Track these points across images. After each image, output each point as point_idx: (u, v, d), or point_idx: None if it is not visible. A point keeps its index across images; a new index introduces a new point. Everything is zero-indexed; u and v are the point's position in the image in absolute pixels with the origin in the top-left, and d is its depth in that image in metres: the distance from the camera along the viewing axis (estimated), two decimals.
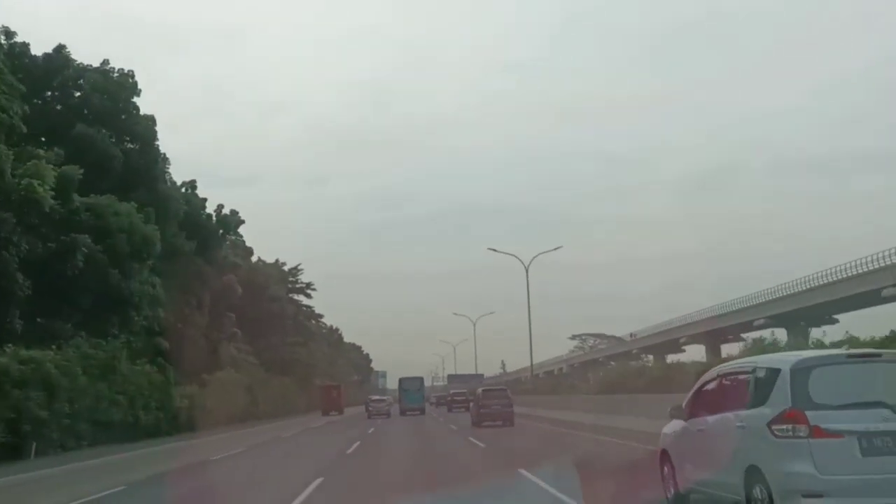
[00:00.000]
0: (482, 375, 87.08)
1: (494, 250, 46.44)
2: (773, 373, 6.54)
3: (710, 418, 7.48)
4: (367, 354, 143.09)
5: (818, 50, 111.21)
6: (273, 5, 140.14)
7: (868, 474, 6.65)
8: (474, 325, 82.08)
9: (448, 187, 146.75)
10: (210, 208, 46.73)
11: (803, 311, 59.68)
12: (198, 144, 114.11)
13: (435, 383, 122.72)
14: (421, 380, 63.17)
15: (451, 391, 63.86)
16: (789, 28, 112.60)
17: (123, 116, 34.05)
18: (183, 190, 40.87)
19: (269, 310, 62.52)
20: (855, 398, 6.82)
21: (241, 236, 58.22)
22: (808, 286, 62.39)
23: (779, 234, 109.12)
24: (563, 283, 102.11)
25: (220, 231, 47.88)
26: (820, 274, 61.14)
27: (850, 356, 6.89)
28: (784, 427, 6.90)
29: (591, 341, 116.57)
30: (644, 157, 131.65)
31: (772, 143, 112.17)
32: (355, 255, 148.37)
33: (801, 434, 6.82)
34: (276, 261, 77.47)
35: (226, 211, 49.01)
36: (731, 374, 7.62)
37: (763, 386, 6.63)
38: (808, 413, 6.79)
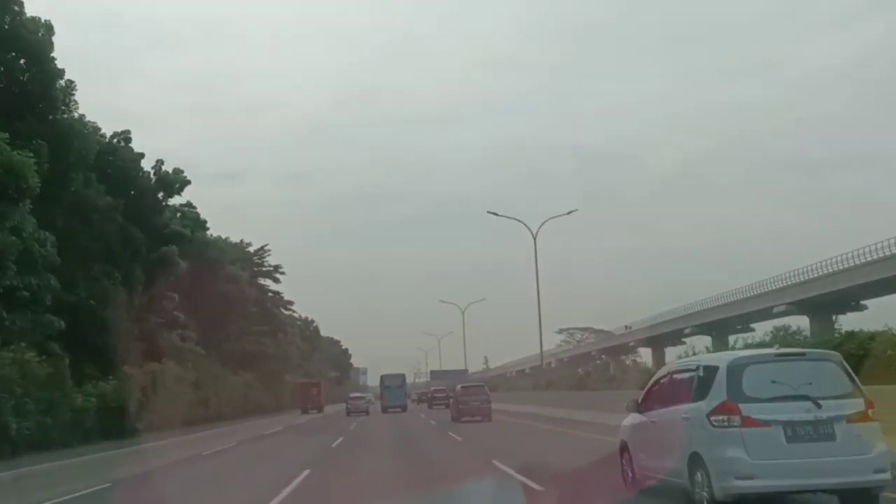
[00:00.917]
0: (466, 371, 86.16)
1: (495, 214, 44.82)
2: (713, 370, 7.93)
3: (661, 411, 8.64)
4: (347, 350, 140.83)
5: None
6: (256, 1, 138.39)
7: (791, 459, 7.79)
8: (463, 313, 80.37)
9: (432, 184, 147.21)
10: (148, 165, 40.00)
11: (827, 296, 58.56)
12: (180, 141, 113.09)
13: (417, 380, 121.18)
14: (403, 377, 64.50)
15: (432, 388, 65.47)
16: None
17: None
18: (115, 141, 35.80)
19: (225, 292, 53.53)
20: (782, 392, 7.98)
21: (196, 209, 51.05)
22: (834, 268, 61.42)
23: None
24: (550, 279, 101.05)
25: (161, 194, 41.66)
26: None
27: (778, 355, 8.00)
28: (720, 418, 8.00)
29: (579, 335, 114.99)
30: (625, 153, 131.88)
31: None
32: (338, 251, 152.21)
33: (735, 424, 7.90)
34: (241, 241, 70.32)
35: (167, 168, 41.56)
36: (678, 371, 8.70)
37: (704, 382, 8.29)
38: (741, 405, 7.90)
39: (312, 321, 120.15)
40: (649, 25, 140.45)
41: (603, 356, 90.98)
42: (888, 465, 7.55)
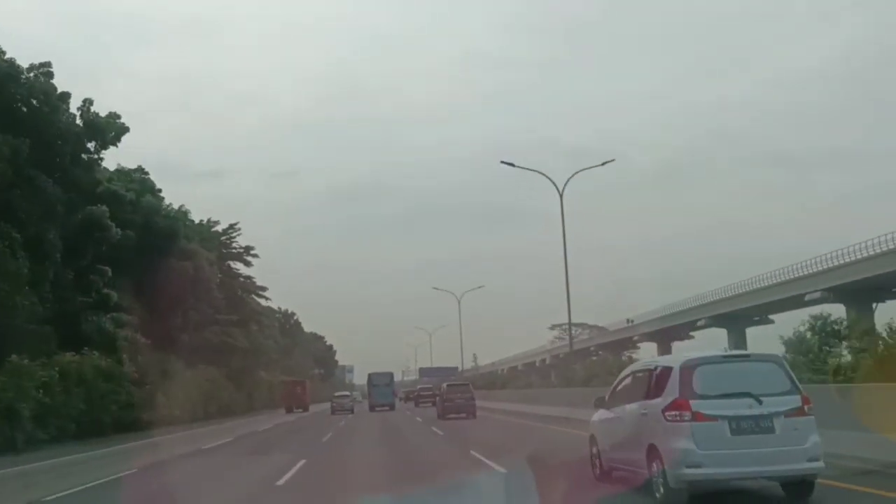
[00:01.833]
0: (456, 368, 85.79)
1: (511, 164, 38.81)
2: (668, 370, 8.90)
3: (624, 407, 9.70)
4: (332, 346, 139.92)
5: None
6: None
7: (735, 449, 9.15)
8: (459, 301, 77.78)
9: (418, 181, 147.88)
10: (76, 107, 33.74)
11: (870, 281, 54.14)
12: (164, 138, 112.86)
13: (406, 377, 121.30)
14: (390, 375, 66.46)
15: (419, 387, 67.00)
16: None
17: None
18: (31, 74, 30.94)
19: (179, 271, 45.00)
20: (728, 390, 9.39)
21: (147, 174, 45.51)
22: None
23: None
24: (540, 275, 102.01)
25: (93, 144, 35.11)
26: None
27: (725, 357, 9.18)
28: (673, 413, 9.37)
29: (573, 331, 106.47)
30: (612, 149, 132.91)
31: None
32: (324, 248, 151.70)
33: (686, 418, 9.24)
34: (208, 220, 63.66)
35: (97, 110, 34.83)
36: (640, 371, 9.91)
37: (660, 381, 9.24)
38: (692, 402, 9.29)
39: (293, 314, 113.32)
40: (636, 23, 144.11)
41: (600, 352, 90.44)
42: (821, 455, 8.93)
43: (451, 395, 38.01)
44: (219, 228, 65.04)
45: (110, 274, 36.67)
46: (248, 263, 69.07)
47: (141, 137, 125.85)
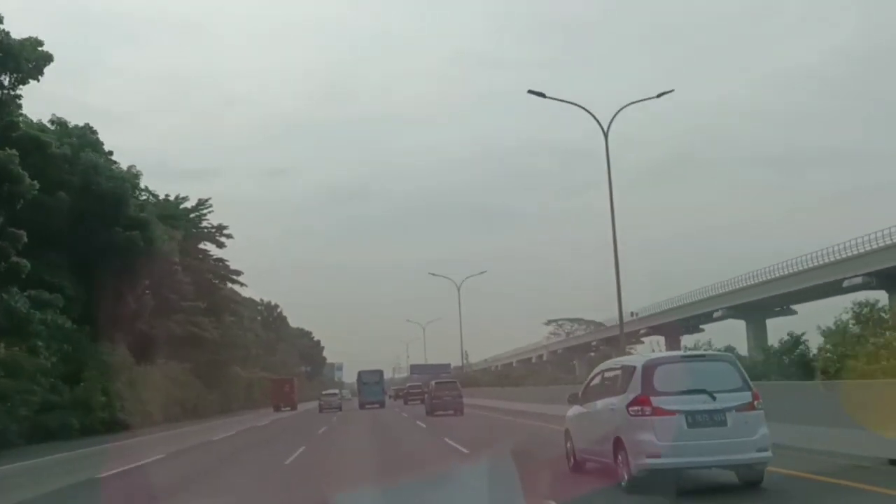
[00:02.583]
0: (448, 365, 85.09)
1: (542, 95, 30.33)
2: (632, 369, 9.85)
3: (595, 403, 10.76)
4: (319, 342, 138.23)
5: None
6: None
7: (691, 441, 10.63)
8: (458, 288, 77.65)
9: (408, 181, 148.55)
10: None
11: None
12: (154, 137, 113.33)
13: (397, 375, 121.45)
14: (380, 373, 68.34)
15: (408, 385, 68.71)
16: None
17: None
18: None
19: (127, 244, 37.97)
20: (685, 387, 11.02)
21: (96, 133, 39.07)
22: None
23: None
24: (536, 273, 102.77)
25: (7, 75, 29.74)
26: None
27: (683, 357, 10.07)
28: (636, 408, 10.95)
29: (569, 327, 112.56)
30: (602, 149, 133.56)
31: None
32: (315, 247, 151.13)
33: (647, 413, 10.80)
34: (176, 196, 56.76)
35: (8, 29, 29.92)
36: (608, 370, 10.84)
37: (625, 379, 10.18)
38: (652, 398, 10.89)
39: (276, 306, 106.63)
40: (626, 24, 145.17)
41: (601, 347, 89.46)
42: (769, 445, 10.01)
43: (439, 392, 40.86)
44: (188, 205, 57.22)
45: (25, 239, 29.55)
46: (220, 244, 61.46)
47: (131, 137, 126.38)
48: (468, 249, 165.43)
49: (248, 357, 72.49)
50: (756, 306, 68.53)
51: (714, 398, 10.37)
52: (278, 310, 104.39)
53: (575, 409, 13.28)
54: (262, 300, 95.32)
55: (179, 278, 47.91)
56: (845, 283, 53.63)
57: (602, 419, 11.64)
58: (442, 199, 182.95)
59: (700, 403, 10.38)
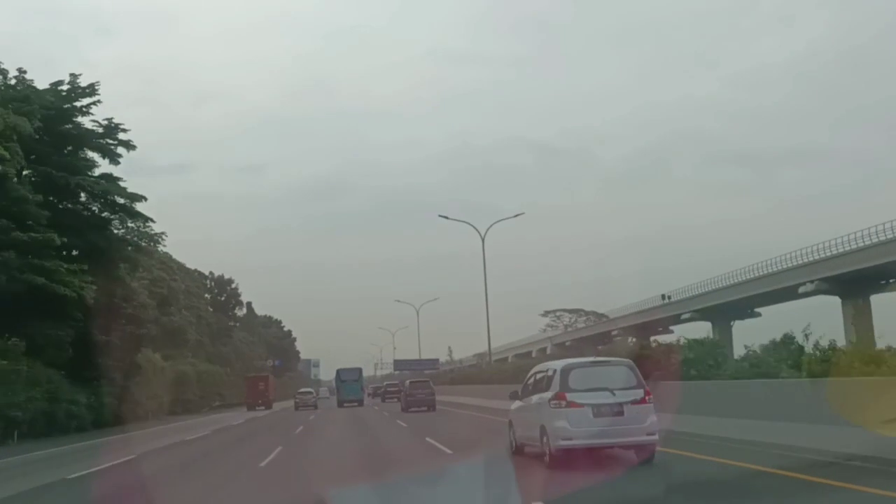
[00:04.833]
0: (437, 360, 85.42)
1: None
2: (554, 371, 12.49)
3: (530, 398, 13.54)
4: (290, 332, 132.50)
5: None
6: None
7: (596, 427, 13.77)
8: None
9: (385, 177, 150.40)
10: None
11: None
12: (127, 133, 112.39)
13: (379, 371, 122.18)
14: (359, 370, 68.98)
15: (385, 383, 70.52)
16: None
17: None
18: None
19: None
20: (592, 385, 13.42)
21: None
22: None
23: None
24: (533, 267, 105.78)
25: None
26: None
27: (592, 361, 12.94)
28: (555, 402, 13.13)
29: (567, 318, 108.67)
30: (578, 146, 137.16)
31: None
32: (291, 245, 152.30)
33: (563, 406, 13.06)
34: (57, 84, 39.25)
35: None
36: (539, 371, 13.55)
37: (549, 378, 12.59)
38: (567, 394, 13.08)
39: (231, 280, 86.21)
40: (601, 22, 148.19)
41: (618, 336, 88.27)
42: (657, 430, 12.78)
43: (413, 390, 45.22)
44: (62, 88, 38.53)
45: None
46: (114, 158, 39.99)
47: None
48: (445, 248, 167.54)
49: (183, 343, 60.99)
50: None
51: (614, 394, 13.62)
52: (233, 285, 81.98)
53: (516, 404, 16.77)
54: (210, 273, 77.11)
55: (24, 193, 30.80)
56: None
57: (532, 411, 15.03)
58: (417, 196, 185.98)
59: (603, 398, 13.66)
